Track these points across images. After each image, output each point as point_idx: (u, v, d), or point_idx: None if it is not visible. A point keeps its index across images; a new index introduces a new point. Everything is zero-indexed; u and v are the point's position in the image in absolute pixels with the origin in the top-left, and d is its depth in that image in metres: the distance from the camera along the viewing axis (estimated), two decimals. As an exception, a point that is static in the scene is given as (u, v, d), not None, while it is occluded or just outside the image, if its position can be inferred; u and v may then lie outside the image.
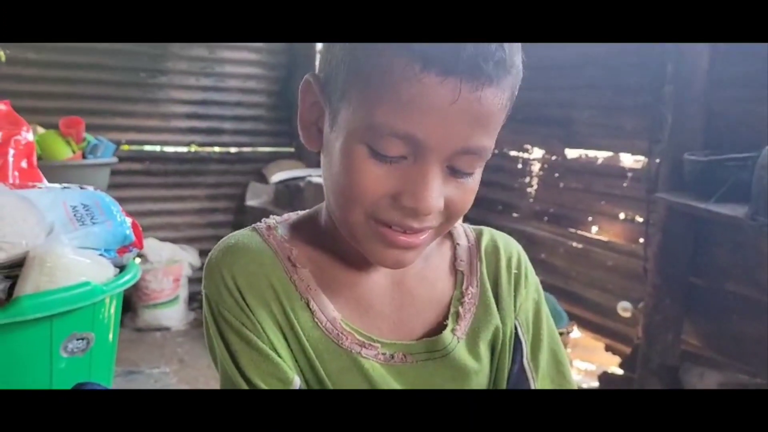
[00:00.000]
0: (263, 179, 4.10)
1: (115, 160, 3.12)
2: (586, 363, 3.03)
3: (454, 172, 0.61)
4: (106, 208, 1.07)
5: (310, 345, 0.67)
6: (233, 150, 4.14)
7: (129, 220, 1.12)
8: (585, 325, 2.86)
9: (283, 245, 0.70)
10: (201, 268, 3.87)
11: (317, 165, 3.94)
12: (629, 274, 2.63)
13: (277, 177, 3.57)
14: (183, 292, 3.80)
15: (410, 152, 0.58)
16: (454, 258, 0.76)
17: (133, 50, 3.69)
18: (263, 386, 0.65)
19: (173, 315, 3.72)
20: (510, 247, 0.79)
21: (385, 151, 0.58)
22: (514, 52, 0.59)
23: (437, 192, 0.59)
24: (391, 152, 0.58)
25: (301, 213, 0.77)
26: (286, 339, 0.67)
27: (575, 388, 0.80)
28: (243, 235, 0.71)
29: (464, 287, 0.74)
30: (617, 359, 2.74)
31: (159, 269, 3.63)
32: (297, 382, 0.67)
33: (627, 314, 2.61)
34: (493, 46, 0.56)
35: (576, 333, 2.90)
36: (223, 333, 0.67)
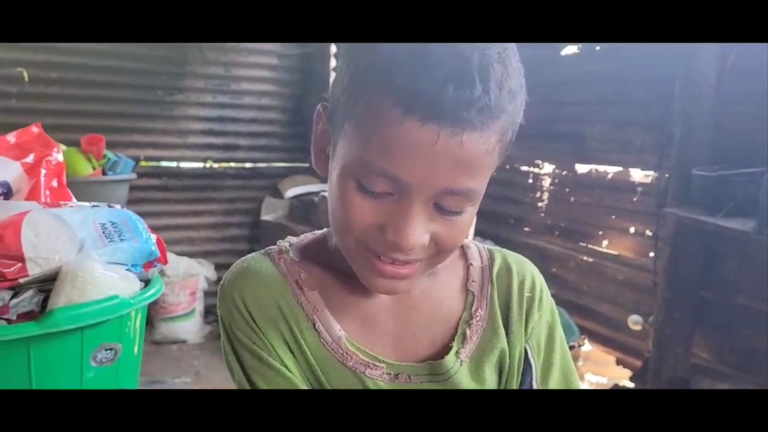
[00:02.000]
0: (278, 194, 4.16)
1: (134, 176, 3.20)
2: (598, 376, 3.04)
3: (441, 210, 0.62)
4: (133, 226, 1.12)
5: (317, 363, 0.71)
6: (249, 165, 4.21)
7: (154, 237, 1.17)
8: (596, 338, 2.88)
9: (292, 268, 0.74)
10: (217, 282, 3.94)
11: (331, 180, 3.98)
12: (639, 287, 2.66)
13: (291, 192, 3.63)
14: (199, 306, 3.85)
15: (395, 190, 0.61)
16: (467, 278, 0.77)
17: (151, 69, 3.78)
18: None
19: (189, 328, 3.78)
20: (524, 269, 0.79)
21: (372, 187, 0.61)
22: (505, 97, 0.59)
23: (419, 229, 0.61)
24: (378, 189, 0.61)
25: (315, 234, 0.81)
26: (294, 357, 0.71)
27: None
28: (254, 258, 0.76)
29: (474, 309, 0.76)
30: (628, 372, 2.76)
31: (176, 283, 3.69)
32: None
33: (637, 328, 2.63)
34: (478, 91, 0.57)
35: (587, 346, 2.92)
36: (237, 351, 0.71)
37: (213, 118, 4.02)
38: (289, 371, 0.70)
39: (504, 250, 0.81)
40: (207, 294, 3.97)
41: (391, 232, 0.61)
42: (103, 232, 1.05)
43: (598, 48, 2.74)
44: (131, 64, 3.71)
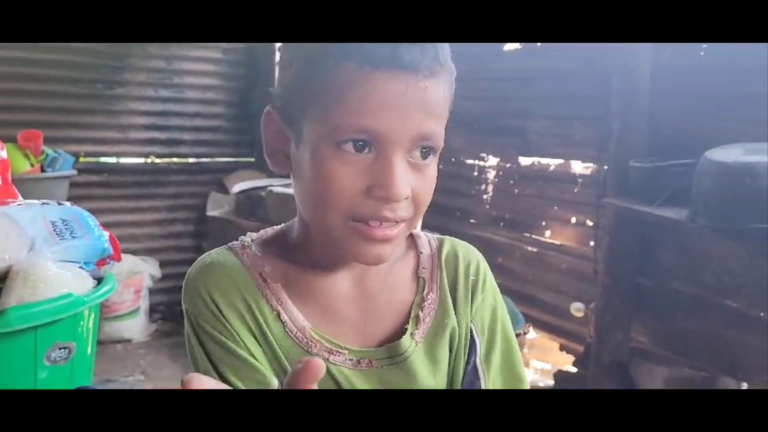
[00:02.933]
0: (224, 189, 4.11)
1: (74, 172, 3.12)
2: (542, 362, 3.14)
3: (413, 166, 0.67)
4: (84, 223, 1.11)
5: (282, 352, 0.73)
6: (193, 160, 4.15)
7: (106, 234, 1.16)
8: (540, 325, 2.97)
9: (255, 262, 0.76)
10: (162, 279, 3.88)
11: (278, 175, 3.98)
12: (581, 276, 2.75)
13: (238, 187, 3.60)
14: (144, 304, 3.79)
15: (373, 145, 0.65)
16: (417, 266, 0.81)
17: (90, 62, 3.68)
18: (243, 388, 0.71)
19: (134, 327, 3.71)
20: (469, 255, 0.84)
21: (350, 148, 0.64)
22: (444, 52, 0.67)
23: (404, 179, 0.65)
24: (356, 149, 0.64)
25: (275, 228, 0.82)
26: (260, 346, 0.73)
27: (527, 387, 0.85)
28: (218, 253, 0.77)
29: (425, 293, 0.79)
30: (571, 358, 2.85)
31: (119, 281, 3.60)
32: (275, 383, 0.72)
33: (580, 314, 2.72)
34: (426, 44, 0.65)
35: (532, 334, 3.01)
36: (203, 343, 0.72)
37: (155, 113, 3.94)
38: (257, 360, 0.72)
39: (452, 238, 0.86)
40: (152, 292, 3.90)
41: (379, 189, 0.65)
42: (54, 230, 1.04)
43: (539, 45, 2.81)
44: (69, 56, 3.60)
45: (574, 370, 2.79)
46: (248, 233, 0.81)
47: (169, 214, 4.10)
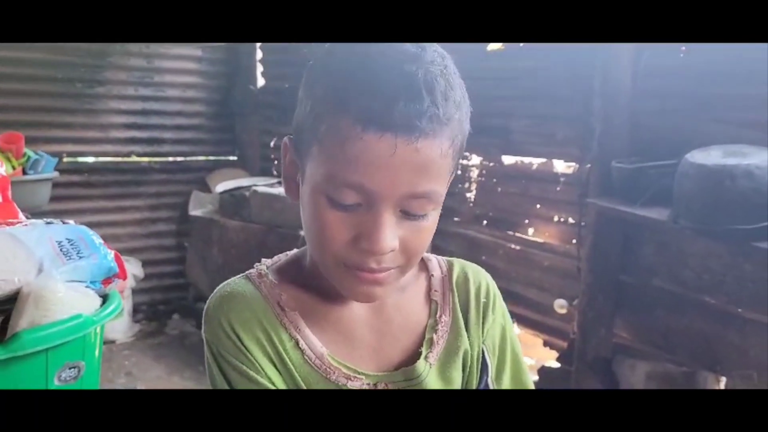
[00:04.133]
0: (206, 188, 4.10)
1: (56, 174, 3.09)
2: (527, 358, 3.19)
3: (407, 215, 0.67)
4: (90, 242, 1.12)
5: (301, 379, 0.75)
6: (174, 159, 4.13)
7: (112, 253, 1.17)
8: (524, 322, 3.02)
9: (273, 291, 0.78)
10: (145, 279, 3.86)
11: (262, 174, 3.96)
12: (564, 273, 2.80)
13: (222, 186, 3.59)
14: (127, 304, 3.77)
15: (363, 200, 0.66)
16: (429, 288, 0.84)
17: (69, 61, 3.64)
18: None
19: (118, 328, 3.70)
20: (479, 277, 0.86)
21: (342, 200, 0.66)
22: (451, 107, 0.65)
23: (390, 235, 0.67)
24: (347, 200, 0.66)
25: (289, 254, 0.84)
26: (280, 374, 0.75)
27: None
28: (236, 283, 0.79)
29: (438, 315, 0.82)
30: (555, 354, 2.90)
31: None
32: None
33: (563, 311, 2.77)
34: (426, 102, 0.63)
35: (516, 330, 3.06)
36: (224, 372, 0.74)
37: (136, 112, 3.92)
38: (276, 388, 0.74)
39: (460, 260, 0.88)
40: (135, 292, 3.89)
41: (365, 241, 0.67)
42: (61, 250, 1.05)
43: (522, 45, 2.84)
44: (48, 55, 3.57)
45: (557, 365, 2.85)
46: (263, 260, 0.83)
47: (151, 214, 4.09)
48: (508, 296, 2.93)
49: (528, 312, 2.99)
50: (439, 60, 0.66)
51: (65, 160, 3.64)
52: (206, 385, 0.79)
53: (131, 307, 3.85)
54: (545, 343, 2.98)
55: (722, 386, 2.30)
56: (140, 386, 3.20)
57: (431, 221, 0.70)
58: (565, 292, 2.78)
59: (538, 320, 2.97)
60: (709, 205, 1.97)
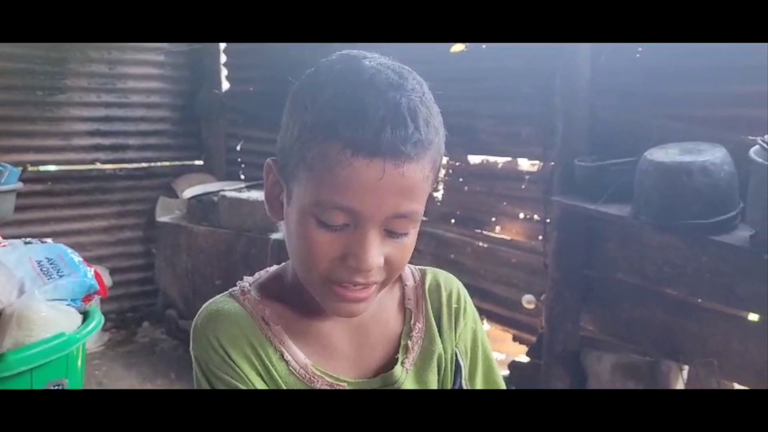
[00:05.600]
0: (173, 194, 4.08)
1: (20, 185, 3.05)
2: (497, 353, 3.26)
3: (390, 234, 0.72)
4: (69, 261, 1.12)
5: (287, 388, 0.79)
6: (139, 165, 4.10)
7: (91, 270, 1.17)
8: (494, 318, 3.08)
9: (256, 306, 0.81)
10: (112, 287, 3.82)
11: (228, 178, 3.94)
12: (531, 269, 2.86)
13: (189, 192, 3.58)
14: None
15: (351, 221, 0.70)
16: (403, 297, 0.88)
17: (28, 69, 3.59)
18: None
19: (87, 337, 3.66)
20: (450, 284, 0.91)
21: (331, 221, 0.70)
22: (431, 132, 0.70)
23: (376, 252, 0.71)
24: (336, 222, 0.70)
25: (270, 271, 0.88)
26: (267, 385, 0.79)
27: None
28: (222, 301, 0.82)
29: (412, 323, 0.86)
30: (524, 348, 2.97)
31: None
32: None
33: (531, 306, 2.84)
34: (410, 128, 0.67)
35: (486, 326, 3.12)
36: (213, 386, 0.77)
37: (99, 118, 3.88)
38: None
39: (432, 268, 0.92)
40: (103, 301, 3.84)
41: (352, 259, 0.70)
42: (42, 270, 1.05)
43: (484, 46, 2.90)
44: (6, 64, 3.51)
45: (527, 360, 2.91)
46: (245, 277, 0.86)
47: (117, 221, 4.05)
48: (477, 293, 3.02)
49: (497, 308, 3.05)
50: (419, 87, 0.70)
51: (29, 169, 3.59)
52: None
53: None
54: (514, 338, 3.05)
55: (685, 375, 2.38)
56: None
57: (412, 238, 0.75)
58: (533, 287, 2.85)
59: (506, 316, 3.03)
60: (668, 200, 2.05)
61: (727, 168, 2.00)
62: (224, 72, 4.20)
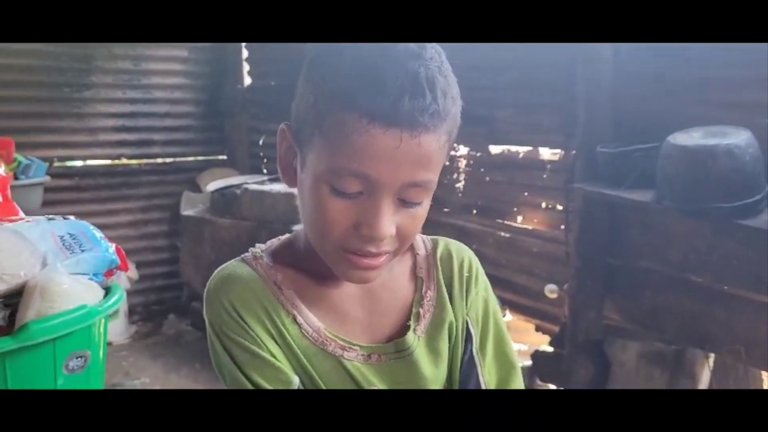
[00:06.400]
0: (197, 188, 4.13)
1: (47, 178, 3.11)
2: (519, 344, 3.24)
3: (404, 203, 0.72)
4: (91, 236, 1.15)
5: (300, 351, 0.80)
6: (164, 160, 4.15)
7: (113, 245, 1.20)
8: (516, 308, 3.07)
9: (269, 271, 0.82)
10: (139, 281, 3.88)
11: (251, 172, 3.98)
12: (553, 258, 2.84)
13: (212, 186, 3.61)
14: (123, 306, 3.79)
15: (365, 188, 0.70)
16: (415, 266, 0.89)
17: (55, 66, 3.65)
18: (269, 387, 0.77)
19: (114, 329, 3.72)
20: (462, 253, 0.91)
21: (345, 188, 0.70)
22: (449, 103, 0.70)
23: (389, 221, 0.71)
24: (350, 189, 0.70)
25: (282, 239, 0.89)
26: (281, 348, 0.80)
27: (519, 371, 0.92)
28: (234, 266, 0.83)
29: (423, 291, 0.87)
30: (547, 338, 2.95)
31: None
32: (297, 381, 0.79)
33: (554, 296, 2.82)
34: (428, 99, 0.67)
35: (509, 317, 3.10)
36: (228, 349, 0.78)
37: (124, 114, 3.94)
38: (278, 361, 0.78)
39: (444, 238, 0.93)
40: (130, 294, 3.90)
41: (365, 228, 0.71)
42: (63, 245, 1.08)
43: (505, 35, 2.88)
44: (34, 61, 3.58)
45: (550, 349, 2.90)
46: (257, 245, 0.87)
47: (143, 215, 4.11)
48: (499, 283, 3.01)
49: (519, 298, 3.03)
50: (437, 57, 0.70)
51: (55, 164, 3.66)
52: (203, 382, 0.83)
53: (127, 308, 3.87)
54: (537, 328, 3.03)
55: (711, 363, 2.35)
56: (138, 386, 3.22)
57: (424, 208, 0.75)
58: (555, 277, 2.83)
59: (529, 306, 3.01)
60: (692, 185, 2.02)
61: (753, 151, 1.97)
62: (246, 67, 4.24)
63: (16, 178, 2.91)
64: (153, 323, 4.06)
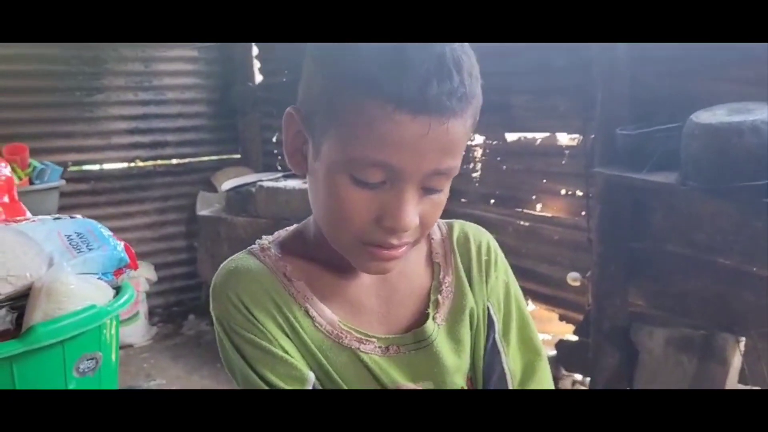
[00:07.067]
0: (212, 188, 4.11)
1: (62, 182, 3.10)
2: (543, 334, 3.19)
3: (426, 191, 0.68)
4: (99, 235, 1.12)
5: (314, 345, 0.76)
6: (178, 161, 4.14)
7: (122, 244, 1.17)
8: (538, 297, 3.01)
9: (278, 263, 0.78)
10: (157, 282, 3.88)
11: (265, 170, 3.97)
12: (575, 245, 2.78)
13: (227, 185, 3.60)
14: (143, 308, 3.79)
15: (388, 178, 0.66)
16: (431, 252, 0.85)
17: (66, 71, 3.65)
18: (283, 385, 0.73)
19: (135, 331, 3.72)
20: (479, 236, 0.87)
21: (367, 178, 0.66)
22: (474, 83, 0.66)
23: (413, 212, 0.67)
24: (372, 179, 0.66)
25: (289, 230, 0.85)
26: (293, 343, 0.76)
27: (544, 358, 0.87)
28: (241, 258, 0.79)
29: (441, 277, 0.83)
30: (571, 327, 2.90)
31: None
32: (311, 377, 0.75)
33: (576, 284, 2.76)
34: (456, 81, 0.63)
35: (531, 306, 3.05)
36: (238, 346, 0.74)
37: (137, 116, 3.93)
38: (291, 357, 0.74)
39: (459, 220, 0.89)
40: (149, 295, 3.91)
41: (388, 219, 0.67)
42: (70, 244, 1.05)
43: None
44: (44, 66, 3.58)
45: (575, 338, 2.84)
46: (264, 236, 0.83)
47: (159, 217, 4.10)
48: (520, 273, 2.90)
49: (541, 287, 2.98)
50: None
51: (70, 169, 3.66)
52: (224, 382, 0.79)
53: (147, 310, 3.87)
54: (561, 317, 2.98)
55: (742, 346, 2.28)
56: (164, 384, 3.22)
57: (445, 194, 0.71)
58: (578, 264, 2.77)
59: (551, 295, 2.96)
60: (717, 164, 1.96)
61: (779, 126, 1.90)
62: (257, 64, 4.21)
63: (31, 182, 2.90)
64: (173, 324, 4.06)
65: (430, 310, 0.81)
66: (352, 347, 0.77)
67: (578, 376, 2.93)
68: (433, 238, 0.85)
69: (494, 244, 0.88)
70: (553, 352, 2.89)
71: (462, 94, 0.64)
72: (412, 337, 0.79)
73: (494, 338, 0.84)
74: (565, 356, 2.85)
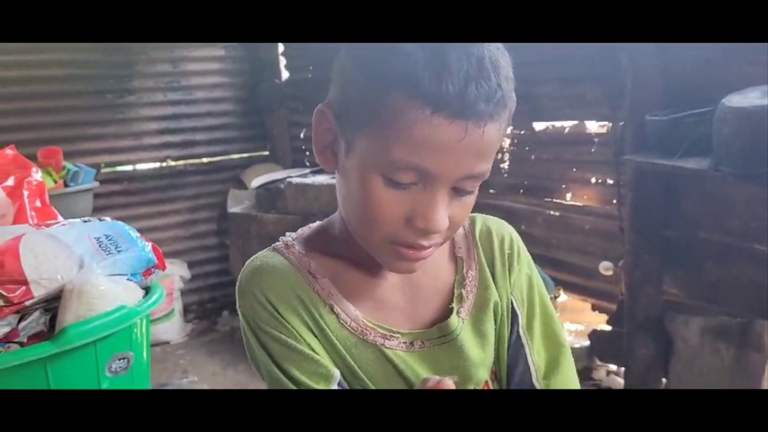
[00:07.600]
0: (242, 185, 4.15)
1: (96, 184, 3.16)
2: (576, 324, 3.16)
3: (457, 192, 0.69)
4: (127, 236, 1.14)
5: (339, 342, 0.76)
6: (209, 160, 4.19)
7: (149, 245, 1.19)
8: (570, 288, 2.98)
9: (302, 259, 0.79)
10: (192, 280, 3.93)
11: (294, 166, 3.98)
12: (607, 234, 2.75)
13: (257, 182, 3.63)
14: (177, 305, 3.85)
15: (420, 179, 0.66)
16: (453, 246, 0.85)
17: (97, 74, 3.71)
18: (309, 382, 0.74)
19: (171, 329, 3.78)
20: (502, 229, 0.87)
21: (400, 179, 0.66)
22: (510, 87, 0.67)
23: (444, 214, 0.68)
24: (405, 180, 0.66)
25: (313, 226, 0.85)
26: (318, 340, 0.76)
27: (568, 351, 0.87)
28: (266, 256, 0.80)
29: (465, 271, 0.83)
30: (604, 317, 2.86)
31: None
32: (337, 374, 0.75)
33: (609, 273, 2.73)
34: (494, 85, 0.63)
35: (563, 297, 3.02)
36: (264, 344, 0.75)
37: (167, 117, 3.98)
38: (317, 354, 0.75)
39: (481, 214, 0.88)
40: (184, 293, 3.97)
41: (420, 220, 0.67)
42: (100, 246, 1.07)
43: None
44: (76, 70, 3.64)
45: (608, 328, 2.81)
46: (287, 233, 0.84)
47: (191, 215, 4.16)
48: (551, 263, 2.93)
49: (573, 277, 2.95)
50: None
51: (103, 170, 3.72)
52: (258, 377, 0.80)
53: (182, 307, 3.93)
54: (594, 307, 2.94)
55: (780, 334, 2.23)
56: (186, 385, 3.27)
57: (475, 195, 0.72)
58: (610, 253, 2.74)
59: (584, 285, 2.93)
60: (751, 148, 1.91)
61: (814, 108, 1.85)
62: (283, 61, 4.23)
63: (66, 185, 2.96)
64: (208, 321, 4.12)
65: (454, 305, 0.81)
66: (377, 343, 0.77)
67: (613, 367, 2.90)
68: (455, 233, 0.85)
69: (516, 238, 0.88)
70: (587, 343, 2.86)
71: (499, 98, 0.64)
72: (437, 332, 0.80)
73: (518, 332, 0.84)
74: (599, 346, 2.82)
